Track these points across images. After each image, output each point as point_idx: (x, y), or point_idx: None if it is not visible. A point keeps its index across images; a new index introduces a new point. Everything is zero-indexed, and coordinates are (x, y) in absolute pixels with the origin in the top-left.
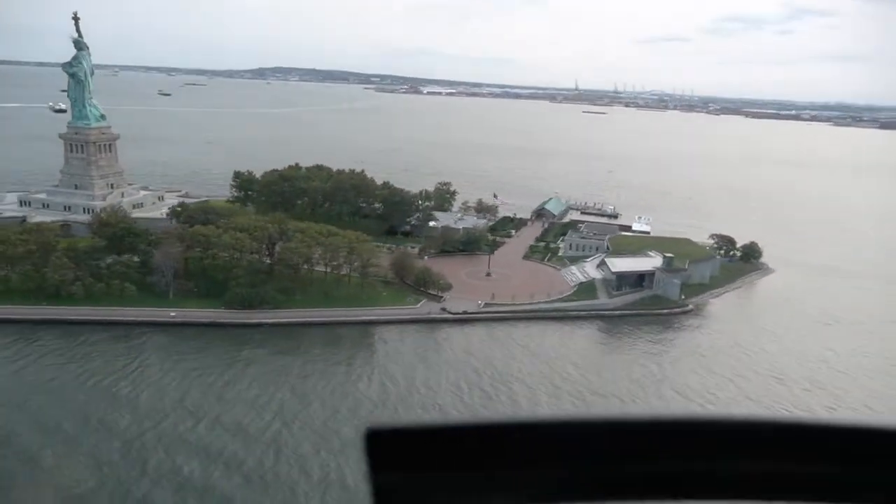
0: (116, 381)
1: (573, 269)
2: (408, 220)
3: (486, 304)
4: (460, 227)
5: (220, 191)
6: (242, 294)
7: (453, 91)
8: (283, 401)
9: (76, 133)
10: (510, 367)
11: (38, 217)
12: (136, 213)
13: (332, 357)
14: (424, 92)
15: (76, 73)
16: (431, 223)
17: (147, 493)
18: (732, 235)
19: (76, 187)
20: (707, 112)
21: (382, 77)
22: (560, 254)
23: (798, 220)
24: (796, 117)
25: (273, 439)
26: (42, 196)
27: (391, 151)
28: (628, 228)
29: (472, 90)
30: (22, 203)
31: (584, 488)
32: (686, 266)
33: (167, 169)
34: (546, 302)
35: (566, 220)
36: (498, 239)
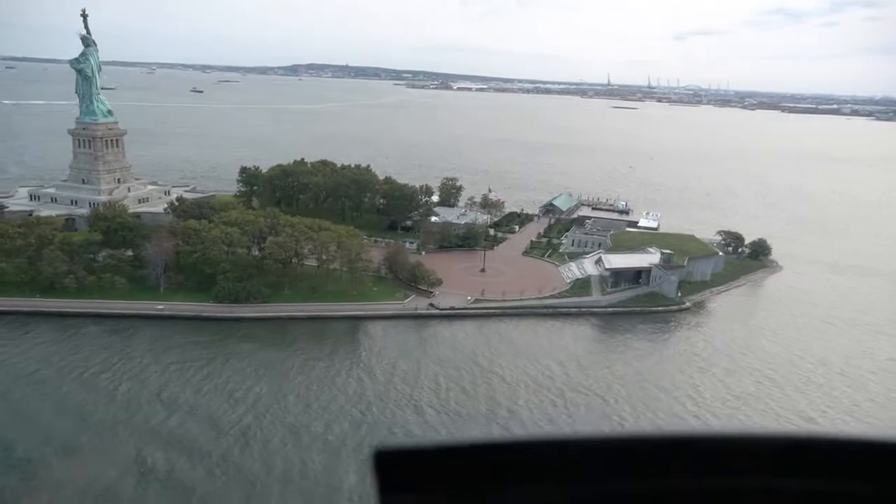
0: (98, 372)
1: (572, 265)
2: (409, 215)
3: (476, 301)
4: (463, 222)
5: (234, 186)
6: (229, 288)
7: (483, 87)
8: (259, 394)
9: (84, 129)
10: (492, 364)
11: (45, 211)
12: (141, 208)
13: (314, 352)
14: (454, 88)
15: (83, 69)
16: (433, 218)
17: (112, 483)
18: (742, 233)
19: (83, 182)
20: (742, 107)
21: (414, 73)
22: (562, 250)
23: (816, 218)
24: (836, 111)
25: (242, 433)
26: (51, 191)
27: (410, 147)
28: (637, 224)
29: (503, 86)
30: (32, 197)
31: None
32: (685, 263)
33: (186, 165)
34: (537, 298)
35: (575, 215)
36: (500, 235)
